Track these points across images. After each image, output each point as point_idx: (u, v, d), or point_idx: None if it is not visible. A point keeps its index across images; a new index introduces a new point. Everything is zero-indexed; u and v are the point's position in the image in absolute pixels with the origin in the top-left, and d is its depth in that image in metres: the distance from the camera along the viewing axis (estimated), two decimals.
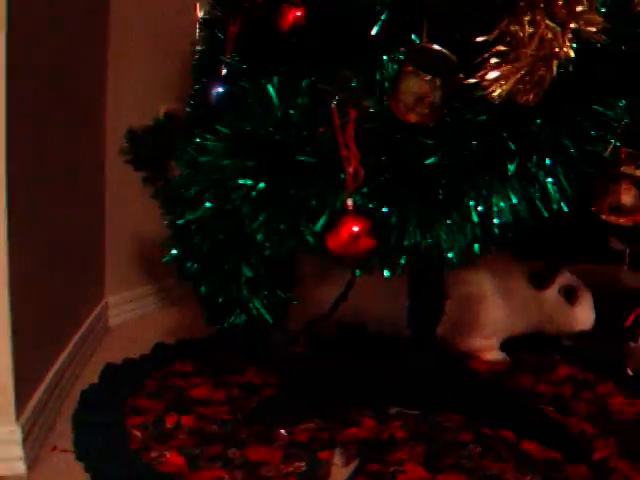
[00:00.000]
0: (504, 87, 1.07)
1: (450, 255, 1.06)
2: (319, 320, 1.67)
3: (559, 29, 1.08)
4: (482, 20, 1.10)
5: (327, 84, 1.04)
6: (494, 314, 1.70)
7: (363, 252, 1.02)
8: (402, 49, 1.10)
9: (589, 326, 1.72)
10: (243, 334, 1.31)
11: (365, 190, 1.03)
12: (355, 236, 1.02)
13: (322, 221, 1.02)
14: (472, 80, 1.08)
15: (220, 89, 1.28)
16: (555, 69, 1.07)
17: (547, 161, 1.08)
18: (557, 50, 1.07)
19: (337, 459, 1.30)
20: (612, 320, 1.71)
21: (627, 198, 1.12)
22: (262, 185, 1.01)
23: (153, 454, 1.31)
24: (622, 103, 1.11)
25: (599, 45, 1.10)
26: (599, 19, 1.09)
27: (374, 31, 1.14)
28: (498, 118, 1.09)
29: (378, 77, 1.11)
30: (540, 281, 1.70)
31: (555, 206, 1.08)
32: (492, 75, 1.07)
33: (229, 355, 1.68)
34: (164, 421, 1.40)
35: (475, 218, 1.03)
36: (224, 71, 1.29)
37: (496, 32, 1.09)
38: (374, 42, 1.14)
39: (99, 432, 1.37)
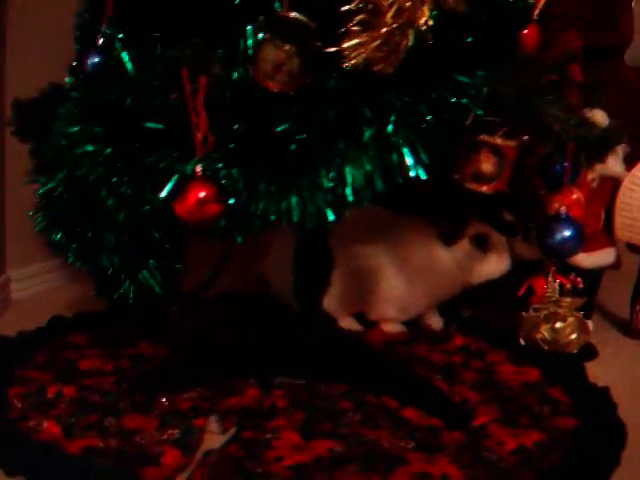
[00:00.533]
0: (360, 55, 1.08)
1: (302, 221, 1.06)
2: (198, 291, 1.68)
3: None
4: None
5: (178, 51, 1.04)
6: (392, 286, 1.71)
7: (211, 218, 1.03)
8: (261, 17, 1.10)
9: (505, 270, 1.73)
10: (134, 306, 1.31)
11: (215, 156, 1.04)
12: (202, 202, 1.02)
13: (169, 187, 1.02)
14: (332, 49, 1.09)
15: (96, 59, 1.27)
16: (412, 38, 1.08)
17: (403, 129, 1.09)
18: (415, 19, 1.08)
19: (213, 426, 1.31)
20: (507, 290, 1.74)
21: (487, 166, 1.14)
22: (108, 150, 1.01)
23: (31, 423, 1.31)
24: (482, 72, 1.12)
25: (459, 14, 1.12)
26: None
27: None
28: (357, 87, 1.10)
29: (242, 46, 1.12)
30: (449, 236, 1.70)
31: (413, 172, 1.09)
32: (350, 43, 1.08)
33: (123, 327, 1.67)
34: (45, 391, 1.40)
35: (326, 184, 1.04)
36: (100, 40, 1.29)
37: (357, 1, 1.09)
38: (238, 10, 1.14)
39: None
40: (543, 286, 1.64)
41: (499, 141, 1.12)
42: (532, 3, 1.20)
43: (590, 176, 1.66)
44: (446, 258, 1.68)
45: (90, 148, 1.02)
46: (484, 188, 1.15)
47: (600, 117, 1.65)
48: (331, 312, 1.72)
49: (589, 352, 1.72)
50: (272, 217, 1.04)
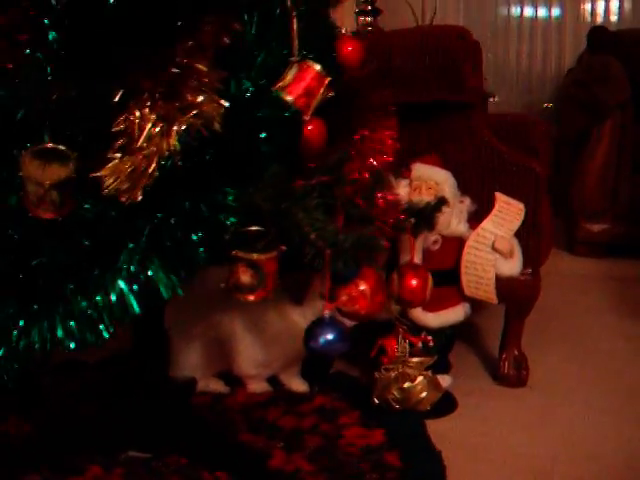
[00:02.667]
0: (115, 182, 1.14)
1: (72, 346, 1.13)
2: None
3: (165, 124, 1.15)
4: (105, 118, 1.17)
5: None
6: (248, 349, 1.77)
7: None
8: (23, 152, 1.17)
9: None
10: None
11: None
12: None
13: None
14: (93, 174, 1.16)
15: None
16: (155, 164, 1.14)
17: (157, 252, 1.15)
18: (163, 144, 1.14)
19: None
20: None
21: (245, 278, 1.20)
22: None
23: None
24: (233, 190, 1.18)
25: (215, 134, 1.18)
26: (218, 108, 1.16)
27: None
28: (110, 214, 1.16)
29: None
30: (298, 296, 1.75)
31: (169, 293, 1.15)
32: (106, 170, 1.15)
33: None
34: None
35: (76, 314, 1.11)
36: None
37: (118, 128, 1.16)
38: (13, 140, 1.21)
39: None
40: (394, 346, 1.69)
41: (254, 256, 1.17)
42: (297, 110, 1.24)
43: (432, 237, 1.70)
44: (299, 320, 1.73)
45: None
46: (251, 298, 1.21)
47: (442, 176, 1.70)
48: (196, 374, 1.80)
49: (447, 406, 1.77)
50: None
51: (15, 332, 1.11)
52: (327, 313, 1.24)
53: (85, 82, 1.15)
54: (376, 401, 1.74)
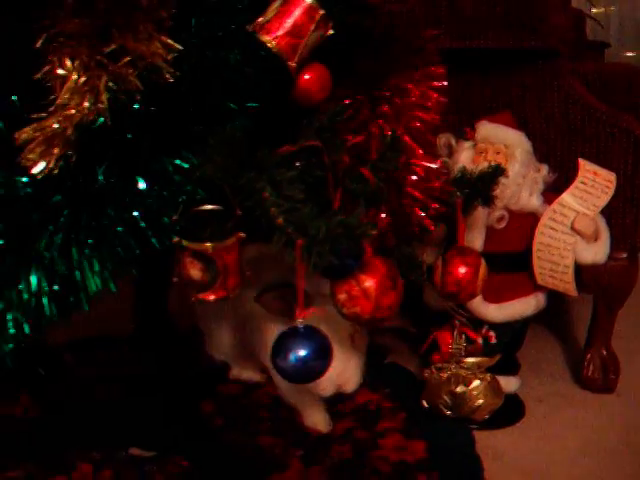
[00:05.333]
0: (29, 151, 0.93)
1: None
2: None
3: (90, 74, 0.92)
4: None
5: None
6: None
7: None
8: None
9: None
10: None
11: None
12: None
13: None
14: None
15: None
16: (73, 127, 0.91)
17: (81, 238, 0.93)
18: (83, 103, 0.91)
19: None
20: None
21: (195, 272, 0.95)
22: None
23: None
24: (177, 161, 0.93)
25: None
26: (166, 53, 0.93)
27: None
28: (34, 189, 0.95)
29: None
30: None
31: (98, 286, 0.93)
32: (21, 136, 0.93)
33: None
34: None
35: None
36: None
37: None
38: None
39: None
40: (448, 342, 1.41)
41: (197, 245, 0.92)
42: (275, 55, 0.97)
43: (496, 213, 1.39)
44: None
45: None
46: (210, 297, 0.96)
47: (514, 138, 1.39)
48: (228, 359, 1.58)
49: (510, 416, 1.47)
50: None
51: None
52: (300, 321, 0.97)
53: (3, 25, 0.92)
54: (425, 404, 1.46)
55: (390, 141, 1.04)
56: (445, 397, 1.43)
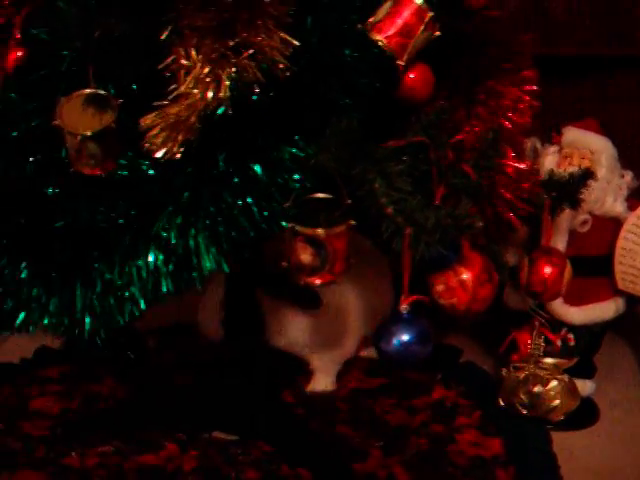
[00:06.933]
0: (152, 136, 0.98)
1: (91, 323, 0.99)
2: None
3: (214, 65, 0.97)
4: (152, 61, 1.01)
5: None
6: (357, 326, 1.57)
7: None
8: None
9: None
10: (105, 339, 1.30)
11: None
12: None
13: None
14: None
15: None
16: (197, 115, 0.96)
17: (200, 220, 0.98)
18: (207, 92, 0.96)
19: None
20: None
21: (306, 257, 1.00)
22: None
23: None
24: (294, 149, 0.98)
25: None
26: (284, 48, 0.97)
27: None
28: (157, 171, 1.00)
29: None
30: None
31: (211, 266, 0.98)
32: (146, 121, 0.99)
33: (98, 361, 1.67)
34: None
35: (98, 288, 0.96)
36: None
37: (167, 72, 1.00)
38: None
39: None
40: (527, 342, 1.44)
41: (310, 231, 0.96)
42: (387, 53, 1.02)
43: (580, 217, 1.42)
44: None
45: None
46: (316, 281, 1.01)
47: (600, 144, 1.41)
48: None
49: (585, 418, 1.49)
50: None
51: (34, 305, 0.97)
52: (404, 307, 1.01)
53: (131, 18, 0.97)
54: (502, 403, 1.48)
55: (491, 139, 1.08)
56: (522, 396, 1.45)
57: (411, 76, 1.09)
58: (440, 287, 1.05)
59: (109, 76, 1.03)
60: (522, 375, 1.46)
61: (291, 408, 1.48)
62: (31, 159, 1.06)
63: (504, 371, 1.49)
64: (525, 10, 1.39)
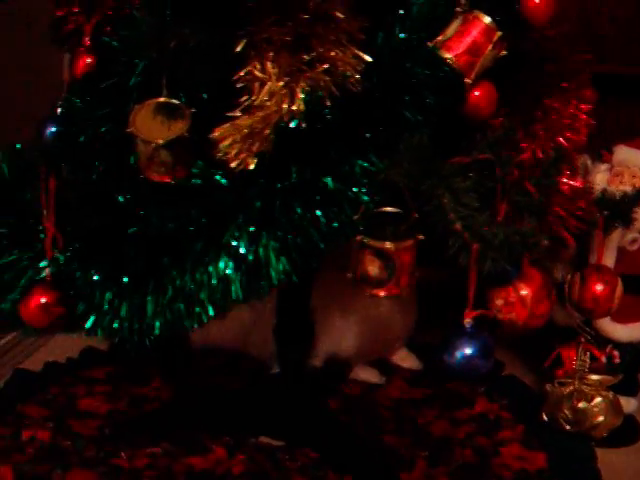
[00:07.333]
0: (225, 146, 1.00)
1: (161, 328, 1.01)
2: None
3: (289, 79, 0.99)
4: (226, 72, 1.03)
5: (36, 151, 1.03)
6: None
7: (54, 322, 1.01)
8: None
9: None
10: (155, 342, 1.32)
11: (63, 258, 1.02)
12: (44, 307, 1.01)
13: (17, 290, 1.02)
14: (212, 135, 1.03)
15: (53, 128, 1.26)
16: (273, 126, 0.98)
17: (271, 231, 1.00)
18: (282, 105, 0.98)
19: None
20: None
21: (373, 269, 1.02)
22: None
23: None
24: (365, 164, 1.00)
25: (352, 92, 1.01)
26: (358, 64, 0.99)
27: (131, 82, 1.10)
28: (229, 181, 1.02)
29: None
30: None
31: (281, 276, 1.00)
32: (218, 132, 1.01)
33: (144, 363, 1.69)
34: (20, 434, 1.45)
35: (169, 294, 0.98)
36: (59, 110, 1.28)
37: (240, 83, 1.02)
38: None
39: None
40: (572, 358, 1.45)
41: (380, 244, 0.98)
42: (456, 71, 1.03)
43: (630, 235, 1.43)
44: None
45: None
46: (381, 293, 1.02)
47: None
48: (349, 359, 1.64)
49: (628, 435, 1.50)
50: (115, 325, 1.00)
51: (106, 306, 0.99)
52: (468, 321, 1.02)
53: (207, 29, 1.00)
54: (545, 417, 1.49)
55: (554, 159, 1.09)
56: (566, 412, 1.47)
57: (476, 93, 1.10)
58: (499, 302, 1.07)
59: (181, 85, 1.05)
60: (567, 390, 1.47)
61: (336, 415, 1.50)
62: (99, 164, 1.08)
63: (548, 386, 1.50)
64: (578, 29, 1.40)
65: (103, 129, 1.10)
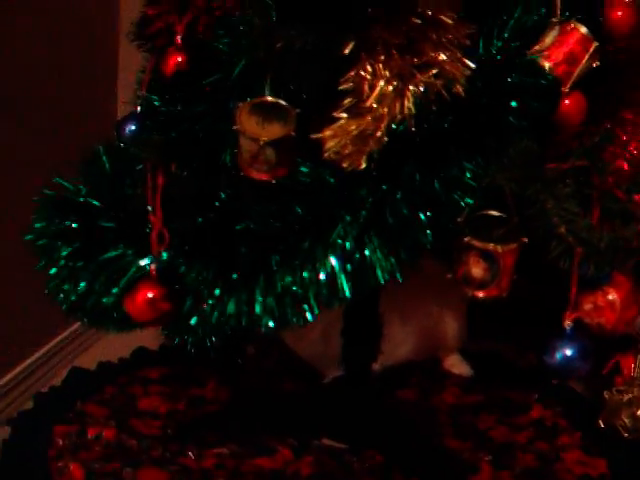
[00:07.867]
0: (333, 146, 1.02)
1: (270, 324, 1.03)
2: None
3: (399, 82, 1.00)
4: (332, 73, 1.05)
5: (139, 148, 1.04)
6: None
7: (160, 317, 1.02)
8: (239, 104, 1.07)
9: None
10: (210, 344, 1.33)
11: (170, 254, 1.03)
12: (150, 302, 1.02)
13: (121, 285, 1.03)
14: (315, 136, 1.04)
15: (133, 126, 1.28)
16: (384, 128, 1.00)
17: (377, 229, 1.01)
18: (394, 107, 1.00)
19: None
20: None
21: (477, 271, 1.03)
22: (65, 252, 1.04)
23: (60, 464, 1.37)
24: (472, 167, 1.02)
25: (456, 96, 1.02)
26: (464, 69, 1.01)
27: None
28: (337, 180, 1.04)
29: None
30: None
31: (386, 276, 1.01)
32: (327, 132, 1.02)
33: (200, 365, 1.70)
34: (86, 432, 1.46)
35: (278, 289, 1.00)
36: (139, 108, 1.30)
37: (347, 84, 1.03)
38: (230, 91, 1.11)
39: (28, 436, 1.45)
40: (631, 366, 1.47)
41: (487, 246, 1.00)
42: (555, 79, 1.06)
43: None
44: None
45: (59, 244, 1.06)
46: (480, 294, 1.04)
47: None
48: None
49: None
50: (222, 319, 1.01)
51: (211, 301, 1.00)
52: (568, 324, 1.05)
53: (313, 31, 1.01)
54: (602, 425, 1.51)
55: None
56: (625, 419, 1.48)
57: (567, 102, 1.13)
58: (588, 306, 1.09)
59: (283, 85, 1.06)
60: (625, 398, 1.49)
61: (402, 418, 1.51)
62: (194, 161, 1.10)
63: (606, 393, 1.51)
64: None
65: (198, 126, 1.11)
